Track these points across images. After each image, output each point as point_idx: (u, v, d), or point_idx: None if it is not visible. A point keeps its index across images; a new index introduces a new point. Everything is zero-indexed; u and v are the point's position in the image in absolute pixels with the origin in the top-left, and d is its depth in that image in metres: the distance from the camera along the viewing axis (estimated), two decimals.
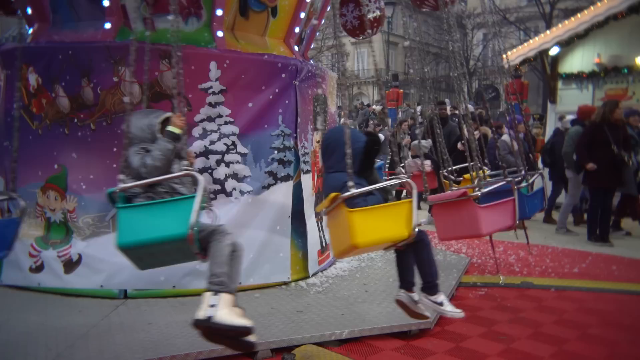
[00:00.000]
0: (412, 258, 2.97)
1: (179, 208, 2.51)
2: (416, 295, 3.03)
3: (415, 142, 7.62)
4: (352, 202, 2.66)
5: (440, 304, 2.95)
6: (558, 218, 7.22)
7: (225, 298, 2.50)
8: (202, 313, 2.46)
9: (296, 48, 5.14)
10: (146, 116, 2.93)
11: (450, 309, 2.96)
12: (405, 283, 3.04)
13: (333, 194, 2.68)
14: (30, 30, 4.69)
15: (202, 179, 2.62)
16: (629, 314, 3.93)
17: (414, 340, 3.35)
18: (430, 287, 2.97)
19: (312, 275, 4.49)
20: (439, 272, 3.01)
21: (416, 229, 2.72)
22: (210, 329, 2.45)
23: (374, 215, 2.66)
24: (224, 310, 2.45)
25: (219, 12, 4.29)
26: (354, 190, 2.64)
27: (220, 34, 4.31)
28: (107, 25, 4.13)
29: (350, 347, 3.25)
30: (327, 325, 3.37)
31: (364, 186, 2.77)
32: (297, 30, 5.04)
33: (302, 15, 4.97)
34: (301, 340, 3.19)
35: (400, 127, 8.83)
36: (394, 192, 3.27)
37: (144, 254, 2.70)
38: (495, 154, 5.03)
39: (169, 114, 2.94)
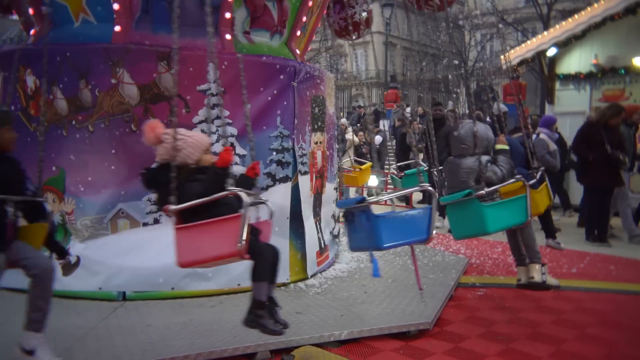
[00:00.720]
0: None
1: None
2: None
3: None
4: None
5: None
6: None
7: (546, 267, 4.09)
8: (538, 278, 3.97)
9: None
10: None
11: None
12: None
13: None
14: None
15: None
16: (627, 313, 3.94)
17: (413, 341, 3.35)
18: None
19: (311, 276, 4.49)
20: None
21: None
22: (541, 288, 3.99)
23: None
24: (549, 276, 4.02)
25: (298, 33, 4.90)
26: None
27: (298, 51, 5.04)
28: (228, 37, 4.35)
29: (350, 348, 3.25)
30: (326, 326, 3.37)
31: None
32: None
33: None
34: (300, 342, 3.19)
35: (411, 127, 8.81)
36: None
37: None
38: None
39: None
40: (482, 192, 3.54)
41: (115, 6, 4.16)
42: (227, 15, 4.32)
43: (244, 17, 4.53)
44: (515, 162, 4.00)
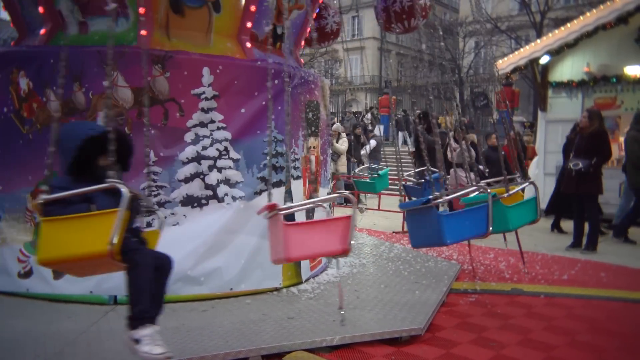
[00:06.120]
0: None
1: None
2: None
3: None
4: (47, 210, 2.37)
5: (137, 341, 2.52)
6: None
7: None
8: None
9: (248, 45, 4.67)
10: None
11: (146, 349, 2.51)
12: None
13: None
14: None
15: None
16: (618, 320, 3.97)
17: (404, 347, 3.35)
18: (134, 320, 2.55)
19: (304, 281, 4.49)
20: (142, 301, 2.54)
21: (113, 243, 2.29)
22: None
23: (68, 227, 2.33)
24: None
25: (141, 11, 3.97)
26: (45, 197, 2.35)
27: (143, 32, 3.98)
28: (42, 31, 4.12)
29: (341, 353, 3.25)
30: (318, 332, 3.37)
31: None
32: (249, 25, 4.62)
33: (253, 8, 4.55)
34: (292, 347, 3.18)
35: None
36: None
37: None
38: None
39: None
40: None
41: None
42: (41, 9, 4.08)
43: (70, 7, 4.12)
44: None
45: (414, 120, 11.54)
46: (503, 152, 4.81)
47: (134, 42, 4.10)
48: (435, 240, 3.44)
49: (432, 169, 4.88)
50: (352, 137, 11.62)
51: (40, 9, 4.04)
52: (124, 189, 2.35)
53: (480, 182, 4.00)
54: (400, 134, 17.13)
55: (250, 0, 4.50)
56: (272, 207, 2.71)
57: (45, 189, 2.39)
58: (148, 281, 2.51)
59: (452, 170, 6.46)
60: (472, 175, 4.29)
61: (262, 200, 4.21)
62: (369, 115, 20.61)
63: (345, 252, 2.70)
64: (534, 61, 9.22)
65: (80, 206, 2.43)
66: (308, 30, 4.90)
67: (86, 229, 2.33)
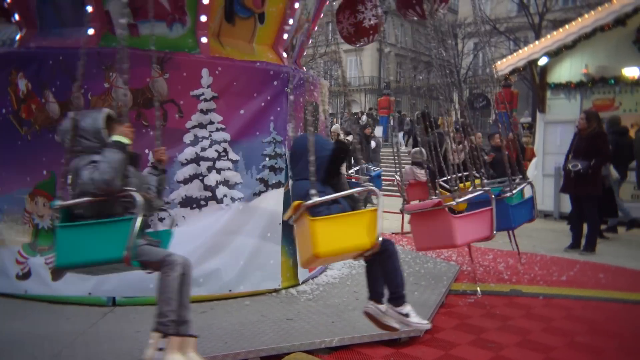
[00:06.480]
0: (380, 269, 2.90)
1: (117, 229, 2.48)
2: (384, 306, 2.93)
3: (416, 149, 7.58)
4: (315, 211, 2.63)
5: (406, 315, 2.85)
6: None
7: (173, 342, 2.49)
8: (149, 354, 2.45)
9: (284, 54, 5.16)
10: (91, 119, 2.74)
11: (416, 321, 2.86)
12: (374, 294, 2.96)
13: (296, 202, 2.66)
14: (18, 36, 4.67)
15: (140, 200, 2.51)
16: (616, 321, 3.97)
17: (403, 348, 3.35)
18: (396, 298, 2.87)
19: (303, 282, 4.48)
20: (405, 283, 2.91)
21: (380, 238, 2.63)
22: None
23: (336, 224, 2.61)
24: (172, 355, 2.46)
25: (203, 18, 4.26)
26: (316, 199, 2.61)
27: (204, 40, 4.28)
28: (90, 31, 4.10)
29: (340, 354, 3.24)
30: (317, 333, 3.37)
31: (329, 194, 2.74)
32: (285, 37, 5.03)
33: (291, 22, 4.96)
34: (291, 348, 3.18)
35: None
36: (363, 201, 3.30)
37: (82, 270, 2.73)
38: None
39: (107, 111, 2.79)
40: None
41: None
42: (89, 8, 4.07)
43: (121, 8, 4.30)
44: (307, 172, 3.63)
45: (410, 120, 11.54)
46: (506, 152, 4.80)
47: (194, 50, 4.23)
48: (506, 224, 3.92)
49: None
50: (361, 137, 11.53)
51: (90, 9, 4.07)
52: (379, 193, 2.73)
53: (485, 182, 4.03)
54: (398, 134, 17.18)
55: (288, 13, 4.87)
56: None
57: (314, 192, 2.63)
58: (400, 265, 2.90)
59: (407, 167, 6.46)
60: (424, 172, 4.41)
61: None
62: (364, 117, 20.61)
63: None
64: (532, 63, 9.24)
65: (336, 207, 2.76)
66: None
67: (353, 226, 2.65)
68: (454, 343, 3.46)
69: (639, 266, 5.72)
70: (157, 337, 2.45)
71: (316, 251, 2.55)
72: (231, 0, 4.40)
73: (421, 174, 6.13)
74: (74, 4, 4.26)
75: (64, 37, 4.25)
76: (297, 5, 4.93)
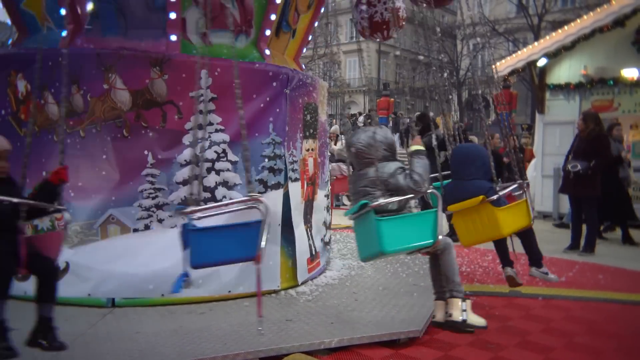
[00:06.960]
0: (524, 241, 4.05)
1: (427, 219, 3.25)
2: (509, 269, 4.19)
3: (341, 147, 7.89)
4: (497, 203, 3.56)
5: (546, 273, 4.09)
6: None
7: (468, 303, 3.47)
8: (439, 317, 3.48)
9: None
10: (374, 134, 3.35)
11: (553, 277, 4.11)
12: (506, 262, 4.19)
13: (481, 197, 3.52)
14: (64, 33, 4.57)
15: (437, 195, 3.32)
16: (615, 322, 3.98)
17: (403, 349, 3.35)
18: (536, 260, 4.10)
19: (302, 283, 4.48)
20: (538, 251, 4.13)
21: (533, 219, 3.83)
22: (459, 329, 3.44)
23: (509, 213, 3.60)
24: (472, 315, 3.46)
25: (267, 32, 4.76)
26: (501, 193, 3.65)
27: (267, 52, 4.77)
28: (173, 38, 4.25)
29: (340, 355, 3.25)
30: (316, 334, 3.37)
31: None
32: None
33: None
34: (290, 349, 3.18)
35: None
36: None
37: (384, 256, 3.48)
38: None
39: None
40: (378, 202, 3.11)
41: (63, 11, 4.20)
42: (173, 15, 4.19)
43: (198, 17, 4.33)
44: (479, 173, 3.72)
45: (409, 119, 11.54)
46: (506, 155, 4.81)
47: (260, 60, 4.58)
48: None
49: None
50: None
51: (172, 15, 4.22)
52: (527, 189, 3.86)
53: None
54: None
55: (309, 30, 5.54)
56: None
57: (498, 189, 3.72)
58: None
59: (333, 164, 6.62)
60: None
61: None
62: (361, 118, 20.59)
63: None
64: (531, 64, 9.25)
65: (505, 200, 3.71)
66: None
67: (515, 213, 3.69)
68: (453, 344, 3.46)
69: (638, 267, 5.72)
70: (460, 302, 3.41)
71: (502, 232, 3.62)
72: (281, 17, 4.87)
73: (346, 170, 6.33)
74: (149, 9, 4.29)
75: (129, 39, 4.26)
76: (316, 24, 5.36)
